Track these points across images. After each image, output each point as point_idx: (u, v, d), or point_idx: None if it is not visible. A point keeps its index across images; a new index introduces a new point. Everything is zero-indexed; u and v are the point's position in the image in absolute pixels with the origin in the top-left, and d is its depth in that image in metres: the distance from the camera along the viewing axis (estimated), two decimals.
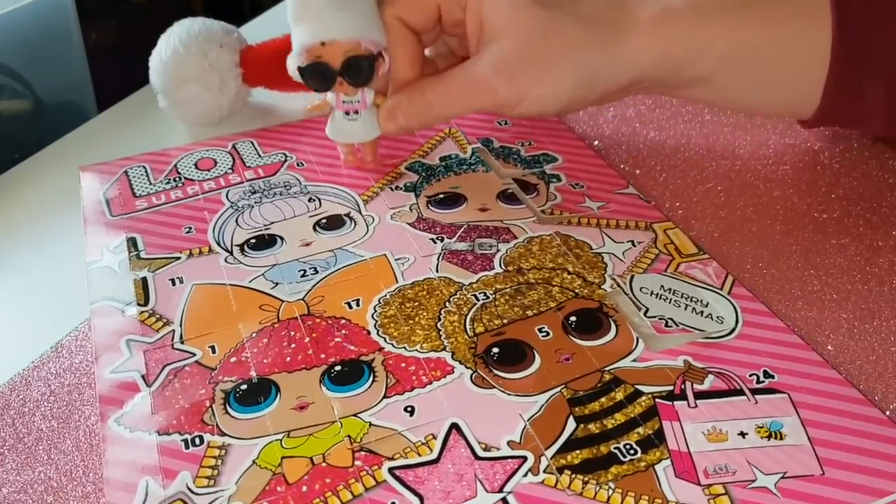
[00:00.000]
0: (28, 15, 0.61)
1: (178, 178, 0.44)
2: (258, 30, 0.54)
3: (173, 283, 0.37)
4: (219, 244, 0.39)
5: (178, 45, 0.46)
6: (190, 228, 0.40)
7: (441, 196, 0.42)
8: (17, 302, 0.39)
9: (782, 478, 0.28)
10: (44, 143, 0.51)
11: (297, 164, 0.45)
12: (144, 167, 0.45)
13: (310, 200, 0.42)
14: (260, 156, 0.46)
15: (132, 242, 0.40)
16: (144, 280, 0.37)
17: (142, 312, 0.36)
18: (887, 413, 0.30)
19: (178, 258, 0.39)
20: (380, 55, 0.39)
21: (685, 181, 0.44)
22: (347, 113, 0.41)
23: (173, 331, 0.35)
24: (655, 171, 0.45)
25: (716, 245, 0.39)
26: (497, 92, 0.37)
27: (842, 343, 0.34)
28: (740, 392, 0.31)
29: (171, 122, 0.50)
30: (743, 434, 0.29)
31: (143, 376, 0.33)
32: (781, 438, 0.29)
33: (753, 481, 0.28)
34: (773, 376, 0.32)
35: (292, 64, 0.39)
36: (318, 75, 0.39)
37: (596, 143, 0.47)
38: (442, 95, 0.39)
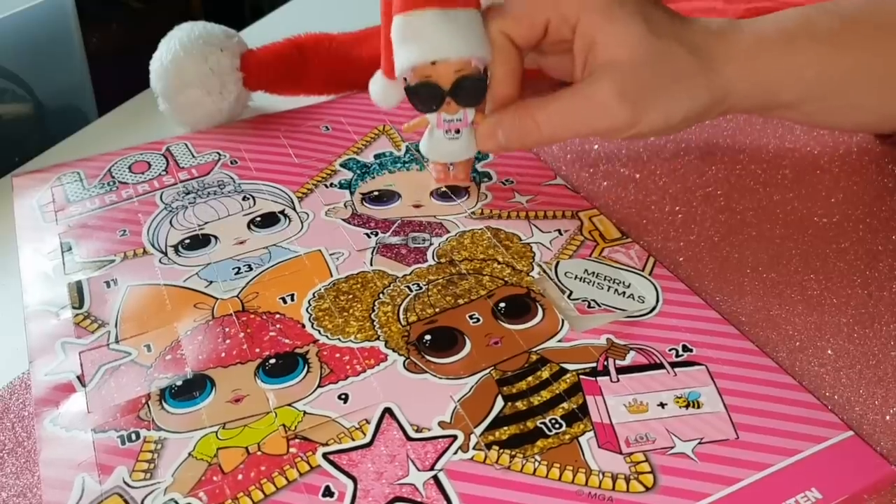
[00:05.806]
0: (29, 18, 0.61)
1: (112, 182, 0.44)
2: (258, 34, 0.54)
3: (108, 286, 0.37)
4: (153, 245, 0.40)
5: (178, 49, 0.46)
6: (124, 231, 0.41)
7: (376, 193, 0.43)
8: (16, 305, 0.38)
9: (699, 443, 0.29)
10: (44, 147, 0.51)
11: (231, 163, 0.46)
12: (78, 173, 0.45)
13: (244, 199, 0.43)
14: (194, 156, 0.46)
15: (66, 247, 0.40)
16: (79, 283, 0.37)
17: (76, 315, 0.36)
18: (850, 414, 0.31)
19: (113, 261, 0.39)
20: (485, 72, 0.38)
21: (685, 185, 0.44)
22: (448, 132, 0.39)
23: (108, 332, 0.35)
24: (655, 175, 0.45)
25: (715, 249, 0.39)
26: (617, 116, 0.37)
27: (841, 347, 0.34)
28: (660, 366, 0.32)
29: (172, 126, 0.50)
30: (662, 405, 0.31)
31: (78, 377, 0.33)
32: (699, 407, 0.31)
33: (672, 448, 0.29)
34: (691, 350, 0.33)
35: (377, 86, 0.38)
36: (427, 96, 0.38)
37: (596, 146, 0.47)
38: (553, 117, 0.38)
